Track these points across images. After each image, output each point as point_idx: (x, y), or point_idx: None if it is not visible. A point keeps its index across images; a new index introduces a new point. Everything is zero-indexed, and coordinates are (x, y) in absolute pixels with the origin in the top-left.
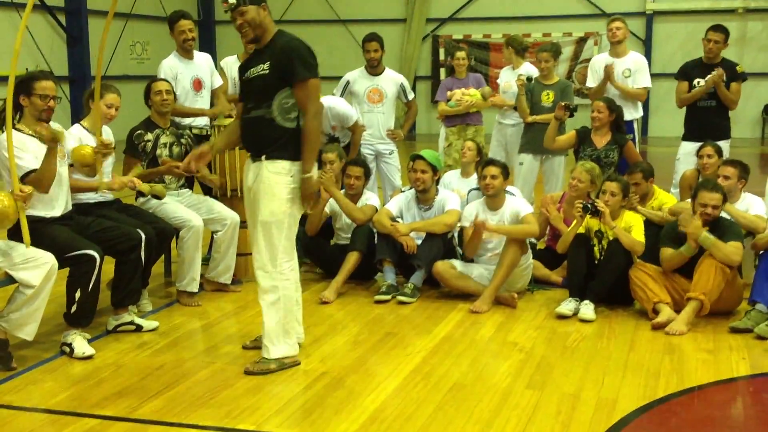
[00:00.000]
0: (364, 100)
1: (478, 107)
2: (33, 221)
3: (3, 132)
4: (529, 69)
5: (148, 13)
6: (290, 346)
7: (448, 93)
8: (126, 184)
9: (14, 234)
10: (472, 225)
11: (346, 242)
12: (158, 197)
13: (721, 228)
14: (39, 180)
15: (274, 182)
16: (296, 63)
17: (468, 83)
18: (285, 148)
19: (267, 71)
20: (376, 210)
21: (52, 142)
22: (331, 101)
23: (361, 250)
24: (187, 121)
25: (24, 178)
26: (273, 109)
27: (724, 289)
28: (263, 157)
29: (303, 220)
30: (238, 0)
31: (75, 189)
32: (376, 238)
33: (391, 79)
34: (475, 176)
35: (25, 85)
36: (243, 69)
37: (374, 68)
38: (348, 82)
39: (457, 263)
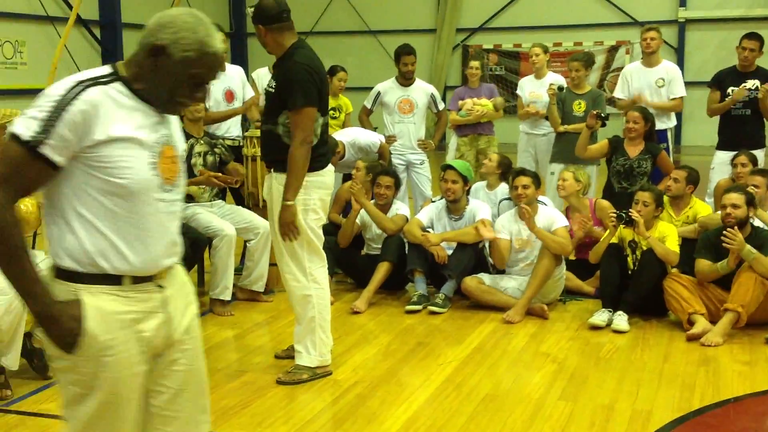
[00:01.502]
0: (395, 110)
1: (489, 117)
2: None
3: None
4: (556, 78)
5: None
6: (323, 355)
7: (459, 102)
8: None
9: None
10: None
11: (377, 252)
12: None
13: (758, 239)
14: None
15: (281, 194)
16: (295, 90)
17: (480, 93)
18: None
19: (272, 90)
20: (407, 220)
21: None
22: (352, 134)
23: (392, 261)
24: (220, 131)
25: None
26: (278, 126)
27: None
28: (272, 170)
29: (335, 230)
30: (252, 17)
31: None
32: (406, 248)
33: (422, 90)
34: (499, 189)
35: None
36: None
37: (408, 80)
38: (379, 93)
39: (486, 277)
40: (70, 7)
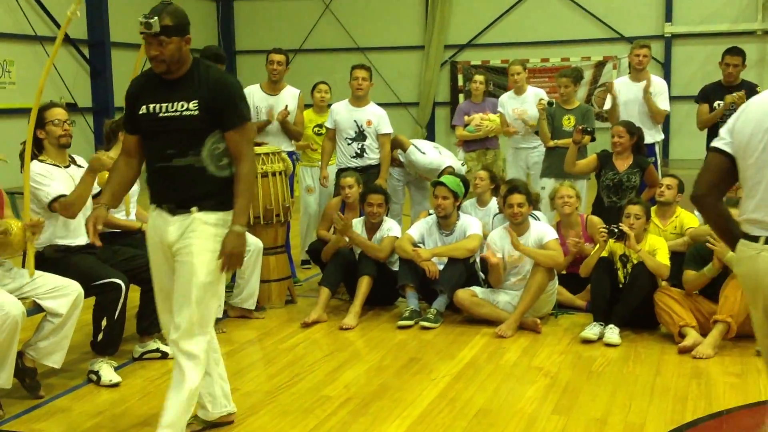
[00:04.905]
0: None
1: (496, 132)
2: (59, 250)
3: (30, 163)
4: (537, 92)
5: None
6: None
7: (466, 118)
8: None
9: (42, 264)
10: (495, 257)
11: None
12: None
13: None
14: (72, 203)
15: (211, 236)
16: (239, 105)
17: (485, 108)
18: (222, 199)
19: (195, 112)
20: (396, 239)
21: (96, 169)
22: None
23: (370, 274)
24: None
25: (53, 203)
26: (203, 157)
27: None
28: (194, 209)
29: (323, 246)
30: (162, 28)
31: (114, 226)
32: (388, 263)
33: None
34: (490, 205)
35: (37, 119)
36: (142, 100)
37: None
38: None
39: (478, 290)
40: (59, 27)
